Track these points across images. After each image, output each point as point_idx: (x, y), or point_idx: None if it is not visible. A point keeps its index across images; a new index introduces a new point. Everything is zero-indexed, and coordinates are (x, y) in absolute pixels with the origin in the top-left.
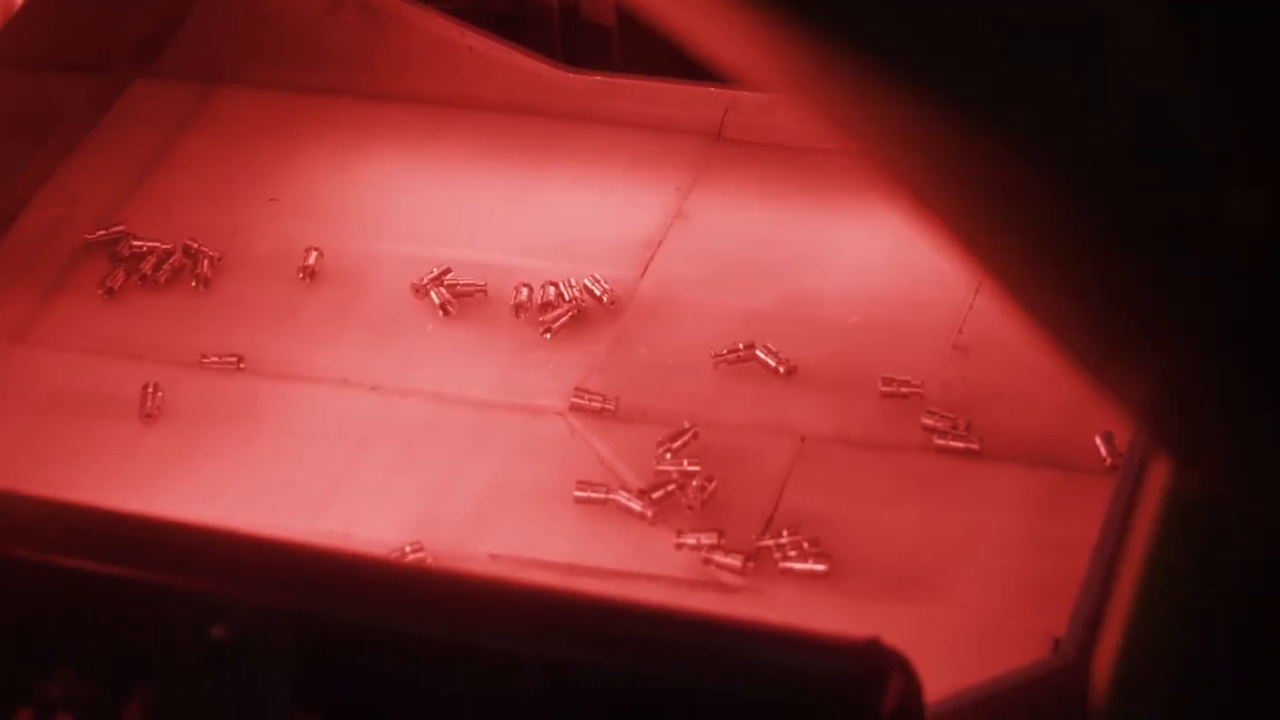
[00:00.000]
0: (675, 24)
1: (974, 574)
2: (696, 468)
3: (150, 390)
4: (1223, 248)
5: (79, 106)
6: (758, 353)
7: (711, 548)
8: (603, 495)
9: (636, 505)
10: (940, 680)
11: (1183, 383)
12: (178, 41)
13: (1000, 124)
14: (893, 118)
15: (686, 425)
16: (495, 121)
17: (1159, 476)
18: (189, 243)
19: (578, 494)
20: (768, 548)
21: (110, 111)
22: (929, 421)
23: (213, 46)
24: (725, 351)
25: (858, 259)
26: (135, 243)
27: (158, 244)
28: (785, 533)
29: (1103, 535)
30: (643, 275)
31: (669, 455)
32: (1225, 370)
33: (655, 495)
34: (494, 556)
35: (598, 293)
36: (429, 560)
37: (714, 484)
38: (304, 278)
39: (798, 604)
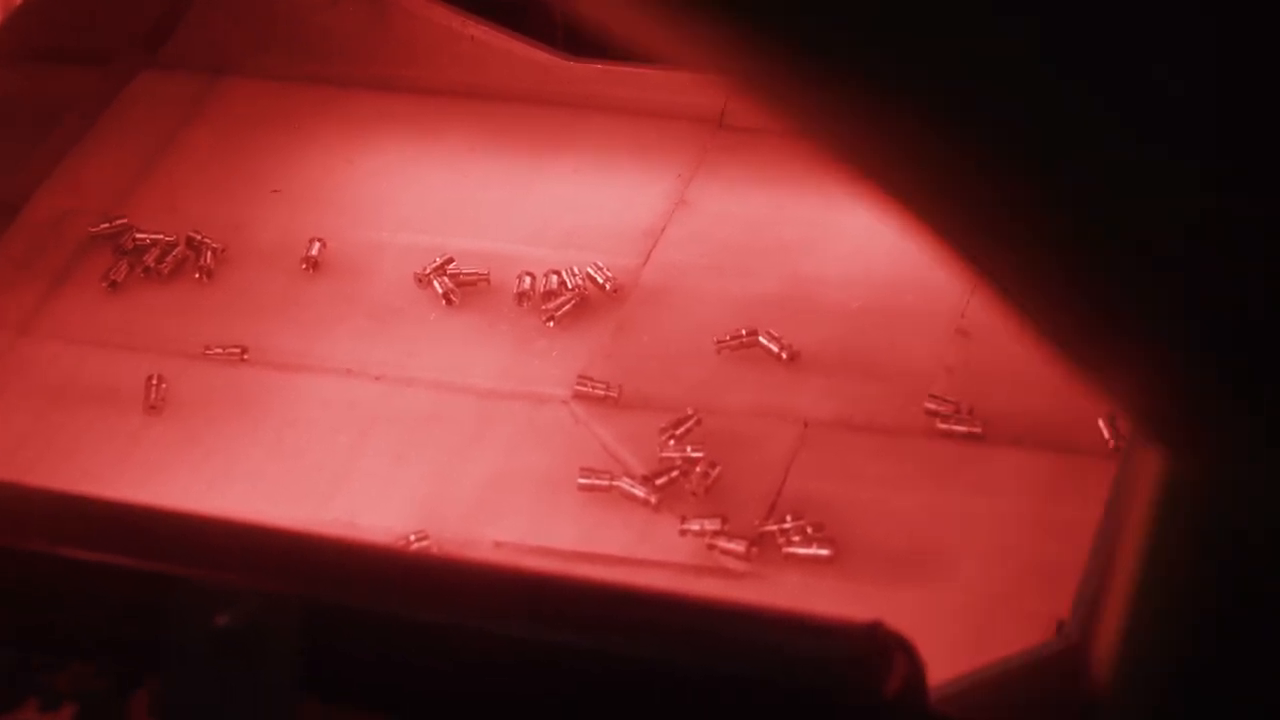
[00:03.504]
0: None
1: (978, 557)
2: (700, 454)
3: (154, 382)
4: (1197, 259)
5: (82, 98)
6: (760, 339)
7: (715, 533)
8: (607, 482)
9: (640, 492)
10: (944, 663)
11: (1166, 381)
12: (181, 32)
13: (977, 133)
14: (867, 124)
15: (689, 412)
16: (497, 110)
17: (1151, 459)
18: (192, 234)
19: (582, 481)
20: (771, 533)
21: (114, 103)
22: (932, 406)
23: (216, 37)
24: (728, 338)
25: (860, 244)
26: (139, 235)
27: (161, 236)
28: (789, 518)
29: (1105, 517)
30: (645, 263)
31: (672, 442)
32: (1206, 371)
33: (659, 482)
34: (499, 544)
35: (600, 280)
36: (434, 548)
37: (718, 470)
38: (307, 268)
39: (802, 589)
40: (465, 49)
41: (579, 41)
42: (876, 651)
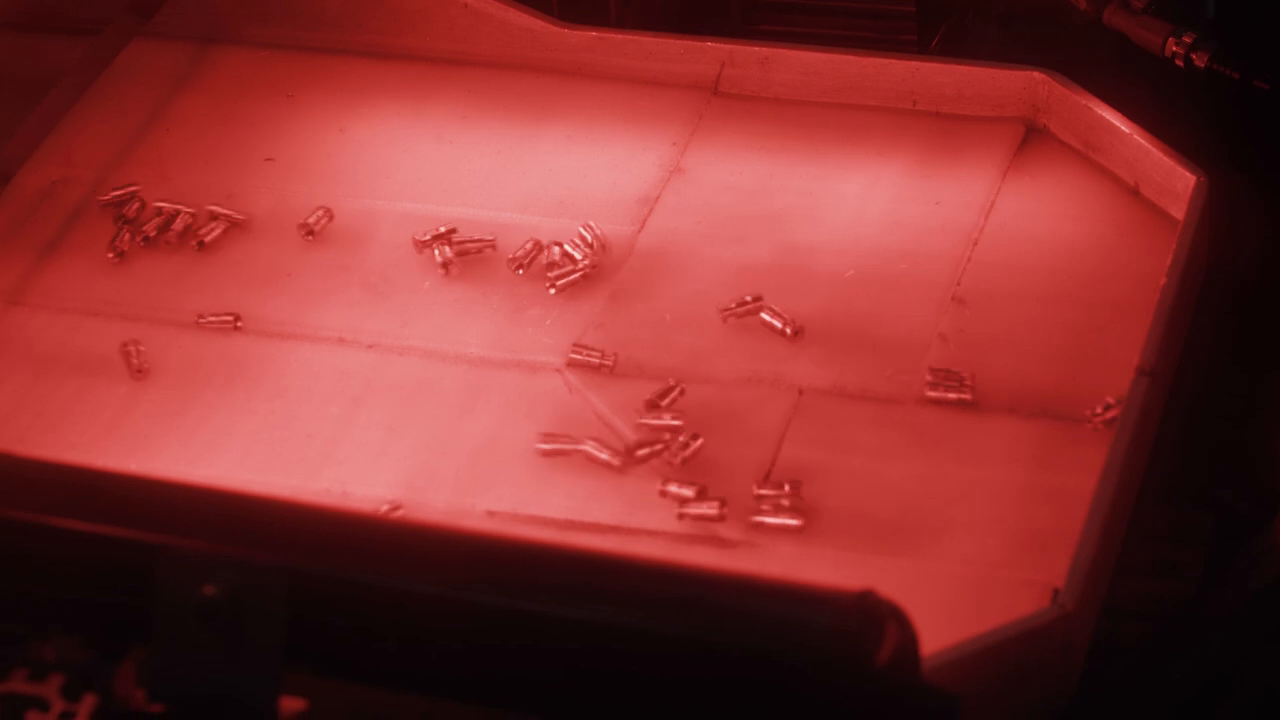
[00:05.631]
0: None
1: (971, 525)
2: (678, 423)
3: (131, 347)
4: None
5: (73, 68)
6: (763, 315)
7: (688, 500)
8: (570, 447)
9: (605, 455)
10: (939, 632)
11: None
12: (172, 1)
13: None
14: None
15: (672, 382)
16: (491, 78)
17: None
18: (213, 208)
19: (543, 447)
20: (765, 499)
21: (106, 72)
22: (927, 375)
23: (208, 6)
24: (734, 305)
25: (854, 212)
26: (157, 204)
27: (166, 205)
28: (786, 485)
29: (1100, 486)
30: (640, 230)
31: (654, 411)
32: None
33: (642, 453)
34: (491, 513)
35: (589, 238)
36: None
37: (700, 440)
38: (306, 234)
39: (795, 557)
40: (458, 16)
41: (574, 8)
42: (867, 620)
